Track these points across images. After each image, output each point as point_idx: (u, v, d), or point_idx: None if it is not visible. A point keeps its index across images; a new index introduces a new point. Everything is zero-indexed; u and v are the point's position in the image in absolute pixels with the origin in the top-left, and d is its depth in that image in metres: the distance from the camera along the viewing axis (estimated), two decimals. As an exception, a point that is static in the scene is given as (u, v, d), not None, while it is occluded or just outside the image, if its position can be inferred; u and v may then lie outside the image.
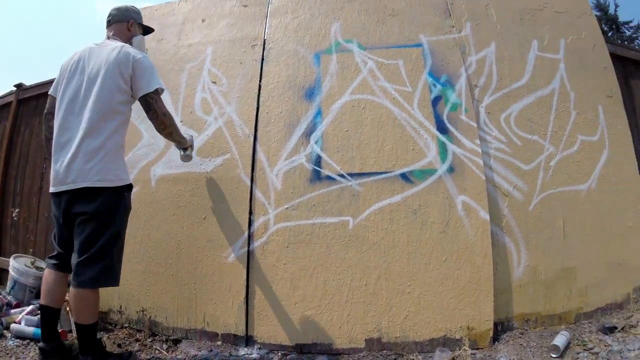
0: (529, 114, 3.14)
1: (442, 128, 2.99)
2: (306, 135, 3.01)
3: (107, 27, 2.60)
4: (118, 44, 2.40)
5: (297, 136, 3.02)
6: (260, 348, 2.73)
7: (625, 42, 22.09)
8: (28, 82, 4.55)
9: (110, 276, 2.26)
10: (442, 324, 2.69)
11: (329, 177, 2.92)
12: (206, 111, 3.21)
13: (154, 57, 3.39)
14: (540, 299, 2.88)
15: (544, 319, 2.86)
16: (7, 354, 2.63)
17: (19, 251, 4.05)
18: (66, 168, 2.20)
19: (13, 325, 2.87)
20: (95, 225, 2.18)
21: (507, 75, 3.22)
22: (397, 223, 2.82)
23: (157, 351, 2.72)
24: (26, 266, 3.44)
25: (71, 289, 2.19)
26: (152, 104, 2.34)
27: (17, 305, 3.23)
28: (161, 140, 3.16)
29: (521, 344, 2.63)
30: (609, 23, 25.29)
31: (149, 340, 2.85)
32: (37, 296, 3.28)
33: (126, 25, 2.59)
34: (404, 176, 2.89)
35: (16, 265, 3.40)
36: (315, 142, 2.99)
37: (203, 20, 3.59)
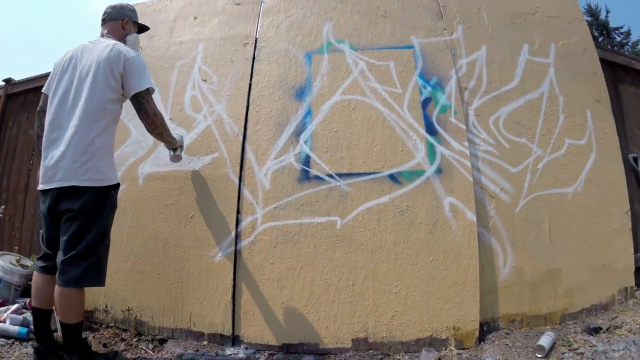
0: (517, 117, 3.17)
1: (431, 130, 3.00)
2: (296, 135, 3.01)
3: (101, 25, 2.58)
4: (111, 42, 2.39)
5: (286, 136, 3.02)
6: (246, 348, 2.72)
7: (615, 48, 22.34)
8: (17, 77, 4.48)
9: (96, 275, 2.24)
10: (429, 324, 2.70)
11: (317, 177, 2.92)
12: (196, 109, 3.20)
13: (144, 54, 3.37)
14: (526, 300, 2.90)
15: (530, 320, 2.89)
16: (-9, 353, 2.60)
17: (4, 249, 4.00)
18: (55, 166, 2.19)
19: (-3, 324, 2.84)
20: (80, 223, 2.17)
21: (497, 79, 3.24)
22: (384, 223, 2.83)
23: (143, 351, 2.70)
24: (11, 264, 3.39)
25: (56, 287, 2.17)
26: (143, 104, 2.34)
27: (2, 304, 3.18)
28: (149, 138, 3.13)
29: (507, 344, 2.65)
30: (600, 28, 25.60)
31: (135, 339, 2.82)
32: (23, 294, 3.26)
33: (121, 23, 2.58)
34: (392, 177, 2.90)
35: (1, 263, 3.35)
36: (305, 142, 2.99)
37: (195, 18, 3.57)
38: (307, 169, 2.94)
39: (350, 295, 2.75)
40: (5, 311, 2.99)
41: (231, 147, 3.03)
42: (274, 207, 2.89)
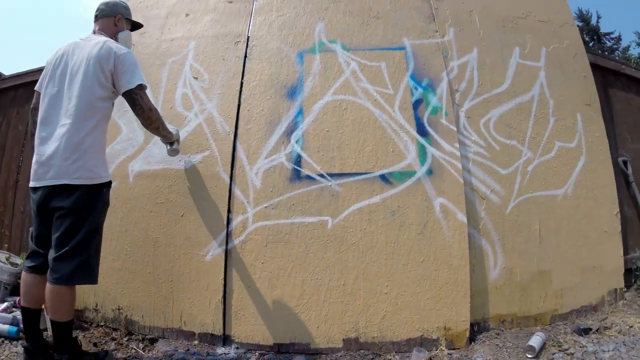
0: (508, 120, 3.19)
1: (422, 131, 3.01)
2: (287, 134, 3.01)
3: (94, 22, 2.57)
4: (102, 38, 2.37)
5: (277, 135, 3.01)
6: (237, 348, 2.71)
7: (606, 53, 22.61)
8: (6, 72, 4.44)
9: (87, 272, 2.23)
10: (419, 324, 2.70)
11: (308, 177, 2.91)
12: (187, 107, 3.18)
13: (135, 50, 3.33)
14: (516, 301, 2.92)
15: (520, 320, 2.91)
16: (-20, 352, 2.57)
17: (-7, 246, 3.97)
18: (46, 163, 2.18)
19: (-13, 323, 2.80)
20: (72, 220, 2.16)
21: (488, 81, 3.26)
22: (375, 224, 2.83)
23: (133, 350, 2.68)
24: (1, 262, 3.36)
25: (47, 285, 2.16)
26: (137, 100, 2.32)
27: (-9, 302, 3.16)
28: (140, 135, 3.13)
29: (497, 345, 2.67)
30: (591, 34, 25.91)
31: (125, 339, 2.80)
32: (12, 293, 3.23)
33: (113, 20, 2.56)
34: (383, 177, 2.90)
35: (-10, 261, 3.32)
36: (296, 142, 2.99)
37: (187, 15, 3.56)
38: (298, 168, 2.93)
39: (342, 295, 2.75)
40: (-6, 310, 2.96)
41: (222, 145, 3.02)
42: (265, 207, 2.88)
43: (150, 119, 2.42)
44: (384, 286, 2.75)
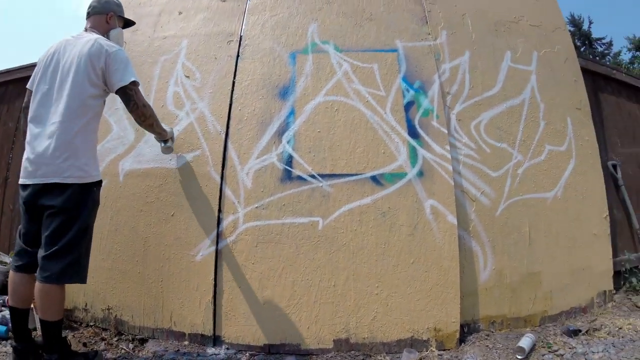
0: (498, 123, 3.21)
1: (413, 133, 3.02)
2: (278, 135, 3.00)
3: (86, 19, 2.56)
4: (93, 36, 2.37)
5: (269, 135, 3.00)
6: (228, 348, 2.70)
7: (597, 58, 22.82)
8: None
9: (77, 271, 2.23)
10: (410, 325, 2.71)
11: (299, 178, 2.91)
12: (178, 106, 3.16)
13: (127, 48, 3.33)
14: (506, 302, 2.94)
15: (510, 322, 2.93)
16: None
17: (-19, 245, 3.93)
18: (36, 161, 2.18)
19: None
20: (62, 219, 2.16)
21: (479, 84, 3.28)
22: (366, 225, 2.83)
23: (123, 350, 2.66)
24: (-12, 260, 3.34)
25: (37, 284, 2.15)
26: (131, 96, 2.33)
27: (-21, 302, 3.12)
28: (131, 134, 3.11)
29: (487, 346, 2.69)
30: (582, 39, 26.15)
31: (115, 339, 2.79)
32: (1, 292, 3.21)
33: (105, 17, 2.55)
34: (374, 179, 2.90)
35: (-23, 259, 3.29)
36: (287, 142, 2.98)
37: (180, 13, 3.54)
38: (289, 169, 2.93)
39: (332, 296, 2.74)
40: (-19, 309, 2.93)
41: (213, 145, 3.00)
42: (256, 207, 2.87)
43: (144, 116, 2.42)
44: (374, 287, 2.75)
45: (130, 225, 2.96)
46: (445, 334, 2.70)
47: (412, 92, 3.12)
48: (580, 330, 2.80)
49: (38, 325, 2.46)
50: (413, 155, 2.96)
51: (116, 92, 2.33)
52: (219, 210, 2.88)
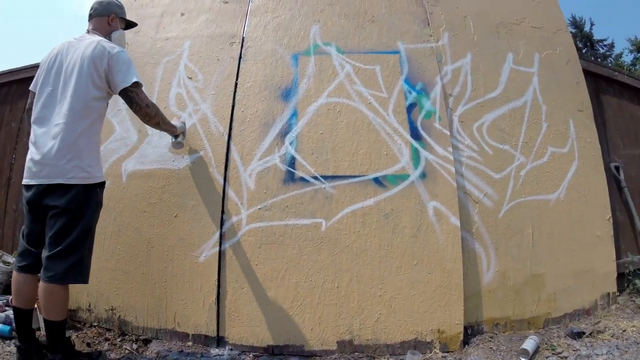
0: (501, 124, 3.21)
1: (415, 135, 3.02)
2: (281, 136, 3.00)
3: (88, 21, 2.57)
4: (95, 38, 2.38)
5: (272, 136, 3.00)
6: (231, 349, 2.70)
7: (599, 60, 22.81)
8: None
9: (80, 272, 2.24)
10: (413, 327, 2.71)
11: (302, 179, 2.91)
12: (181, 107, 3.16)
13: (129, 49, 3.33)
14: (510, 304, 2.94)
15: (513, 324, 2.92)
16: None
17: (-16, 246, 3.93)
18: (40, 162, 2.19)
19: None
20: (66, 220, 2.17)
21: (481, 86, 3.28)
22: (369, 226, 2.83)
23: (127, 351, 2.66)
24: (-8, 261, 3.34)
25: (40, 283, 2.16)
26: (133, 97, 2.34)
27: (-17, 302, 3.12)
28: (134, 135, 3.12)
29: (491, 348, 2.68)
30: (584, 40, 26.12)
31: (119, 339, 2.78)
32: (5, 292, 3.21)
33: (107, 19, 2.56)
34: (377, 180, 2.91)
35: (-19, 260, 3.30)
36: (290, 143, 2.98)
37: (182, 14, 3.55)
38: (292, 170, 2.93)
39: (335, 297, 2.74)
40: (-14, 309, 2.93)
41: (216, 146, 3.01)
42: (259, 208, 2.87)
43: (148, 115, 2.44)
44: (377, 289, 2.75)
45: (134, 226, 2.96)
46: (449, 335, 2.70)
47: (414, 93, 3.12)
48: (584, 333, 2.79)
49: (42, 325, 2.47)
50: (415, 157, 2.96)
51: (119, 94, 2.34)
52: (222, 212, 2.88)
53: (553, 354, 2.58)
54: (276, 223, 2.85)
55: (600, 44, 27.09)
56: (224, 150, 2.98)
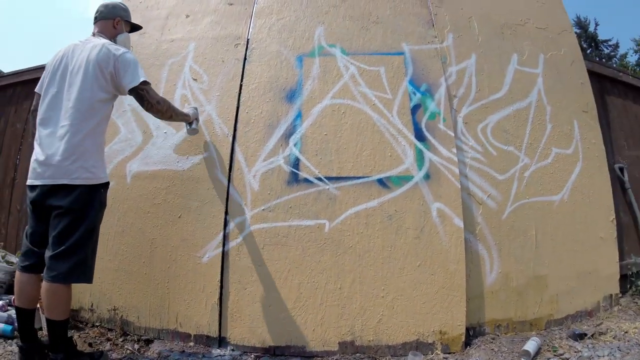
0: (505, 126, 3.21)
1: (420, 136, 3.02)
2: (285, 137, 3.01)
3: (94, 23, 2.59)
4: (101, 41, 2.39)
5: (276, 138, 3.01)
6: (233, 350, 2.71)
7: (604, 60, 22.69)
8: (5, 70, 4.45)
9: (84, 272, 2.25)
10: (415, 328, 2.71)
11: (306, 180, 2.92)
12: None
13: (134, 50, 3.32)
14: (512, 305, 2.94)
15: (515, 325, 2.92)
16: (-26, 350, 2.56)
17: (-11, 245, 3.95)
18: (45, 163, 2.21)
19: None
20: (70, 219, 2.18)
21: (485, 87, 3.28)
22: (372, 228, 2.83)
23: (128, 351, 2.67)
24: (-4, 260, 3.36)
25: (43, 283, 2.18)
26: (144, 96, 2.37)
27: (-14, 301, 3.14)
28: (138, 136, 3.13)
29: (493, 349, 2.68)
30: (589, 41, 25.97)
31: (121, 339, 2.79)
32: (8, 291, 3.23)
33: (112, 22, 2.58)
34: (380, 182, 2.91)
35: (-15, 259, 3.32)
36: (294, 145, 2.99)
37: (187, 16, 3.55)
38: (296, 171, 2.93)
39: (338, 298, 2.75)
40: (-11, 308, 2.95)
41: (220, 147, 3.02)
42: (263, 209, 2.88)
43: (160, 112, 2.48)
44: (380, 290, 2.75)
45: (137, 226, 2.98)
46: (451, 337, 2.70)
47: (418, 95, 3.13)
48: (586, 334, 2.79)
49: (44, 324, 2.48)
50: (420, 158, 2.96)
51: (129, 94, 2.36)
52: (226, 212, 2.89)
53: (554, 355, 2.58)
54: (280, 224, 2.85)
55: (604, 44, 26.93)
56: (229, 151, 2.99)
